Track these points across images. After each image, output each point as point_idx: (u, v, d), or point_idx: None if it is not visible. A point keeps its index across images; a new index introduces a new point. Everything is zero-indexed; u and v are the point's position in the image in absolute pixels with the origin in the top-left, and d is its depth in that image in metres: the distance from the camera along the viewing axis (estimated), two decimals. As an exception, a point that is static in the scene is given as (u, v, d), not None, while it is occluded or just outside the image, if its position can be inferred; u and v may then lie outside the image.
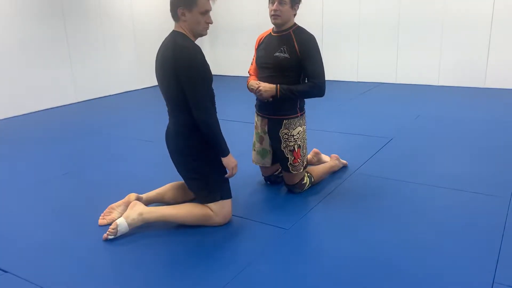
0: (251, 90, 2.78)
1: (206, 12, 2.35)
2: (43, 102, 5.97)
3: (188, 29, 2.36)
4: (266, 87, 2.68)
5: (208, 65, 2.39)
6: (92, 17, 6.50)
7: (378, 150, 3.77)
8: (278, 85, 2.67)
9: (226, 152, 2.46)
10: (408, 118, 4.80)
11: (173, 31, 2.40)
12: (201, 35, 2.42)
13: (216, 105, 2.50)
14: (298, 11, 2.75)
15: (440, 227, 2.46)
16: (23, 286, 2.05)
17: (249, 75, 2.94)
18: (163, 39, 2.45)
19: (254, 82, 2.75)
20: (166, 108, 2.54)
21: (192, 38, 2.39)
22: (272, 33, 2.81)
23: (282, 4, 2.62)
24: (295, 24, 2.76)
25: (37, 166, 3.73)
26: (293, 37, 2.69)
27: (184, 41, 2.33)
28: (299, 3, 2.72)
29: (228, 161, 2.47)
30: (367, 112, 5.22)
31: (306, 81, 2.76)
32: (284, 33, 2.73)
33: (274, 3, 2.63)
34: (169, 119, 2.55)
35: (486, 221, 2.49)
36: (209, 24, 2.40)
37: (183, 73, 2.28)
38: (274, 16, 2.66)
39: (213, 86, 2.48)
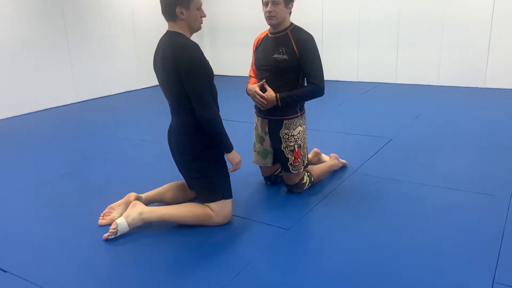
0: (252, 96, 2.76)
1: (200, 6, 2.40)
2: (43, 102, 5.97)
3: (186, 26, 2.38)
4: (268, 102, 2.68)
5: (208, 61, 2.40)
6: (92, 17, 6.51)
7: (378, 150, 3.77)
8: (278, 94, 2.67)
9: (230, 148, 2.48)
10: (408, 118, 4.80)
11: (168, 31, 2.40)
12: (198, 30, 2.46)
13: (218, 103, 2.51)
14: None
15: (440, 227, 2.46)
16: (23, 286, 2.05)
17: (249, 77, 2.95)
18: (158, 40, 2.46)
19: (253, 90, 2.71)
20: (168, 108, 2.54)
21: (189, 35, 2.41)
22: (269, 34, 2.79)
23: (276, 4, 2.61)
24: (291, 23, 2.74)
25: (37, 166, 3.73)
26: (291, 37, 2.68)
27: (182, 40, 2.35)
28: (293, 1, 2.71)
29: (232, 156, 2.50)
30: (367, 112, 5.22)
31: (305, 80, 2.76)
32: (281, 34, 2.71)
33: (268, 4, 2.62)
34: (172, 118, 2.55)
35: (486, 221, 2.49)
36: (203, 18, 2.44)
37: (184, 71, 2.29)
38: (269, 17, 2.65)
39: (213, 85, 2.49)
